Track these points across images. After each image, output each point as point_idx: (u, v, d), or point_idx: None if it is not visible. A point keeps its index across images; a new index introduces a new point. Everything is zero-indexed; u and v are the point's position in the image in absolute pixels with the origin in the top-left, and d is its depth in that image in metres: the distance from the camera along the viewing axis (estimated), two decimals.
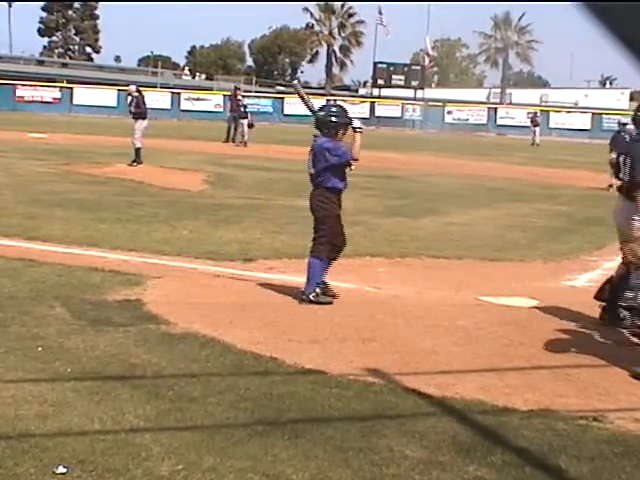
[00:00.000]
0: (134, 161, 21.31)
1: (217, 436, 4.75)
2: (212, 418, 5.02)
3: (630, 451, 4.85)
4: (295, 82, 9.09)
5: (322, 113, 8.26)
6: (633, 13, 1.24)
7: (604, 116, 58.72)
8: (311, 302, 8.01)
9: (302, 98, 8.35)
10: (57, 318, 7.04)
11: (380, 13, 67.43)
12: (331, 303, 8.05)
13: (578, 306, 8.53)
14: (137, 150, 21.39)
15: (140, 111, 21.67)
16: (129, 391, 5.40)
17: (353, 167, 8.17)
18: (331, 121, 8.16)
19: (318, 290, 8.10)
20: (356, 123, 8.22)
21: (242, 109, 32.82)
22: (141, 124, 21.60)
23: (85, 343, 6.38)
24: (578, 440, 4.97)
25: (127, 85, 24.04)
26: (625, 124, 23.38)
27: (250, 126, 32.31)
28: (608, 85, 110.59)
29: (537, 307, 8.52)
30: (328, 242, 8.16)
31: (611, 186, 21.88)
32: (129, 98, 22.37)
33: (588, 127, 58.58)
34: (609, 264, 11.25)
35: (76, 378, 5.59)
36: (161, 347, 6.39)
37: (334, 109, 8.42)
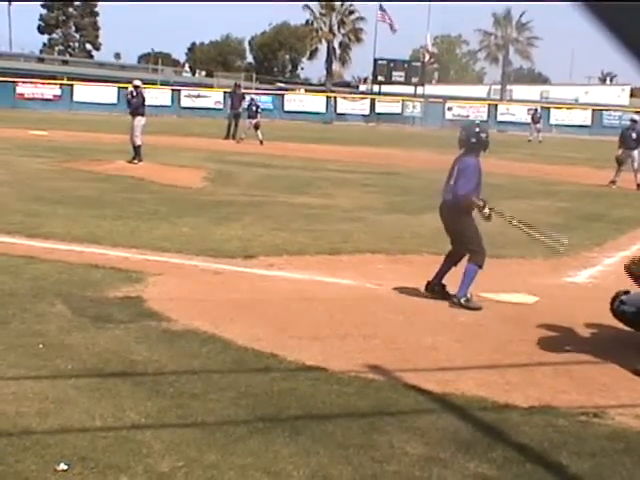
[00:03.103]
0: (134, 158, 21.33)
1: (218, 433, 4.75)
2: (213, 415, 5.02)
3: (631, 447, 4.85)
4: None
5: (464, 133, 8.45)
6: (633, 13, 1.24)
7: (604, 112, 58.75)
8: (461, 306, 8.06)
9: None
10: (58, 315, 7.04)
11: (382, 10, 67.19)
12: (480, 309, 8.05)
13: (579, 302, 8.54)
14: (137, 147, 21.41)
15: (141, 108, 21.79)
16: (130, 388, 5.40)
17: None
18: (471, 141, 8.36)
19: (469, 295, 8.15)
20: (485, 210, 8.31)
21: (254, 109, 32.65)
22: (140, 121, 21.65)
23: (86, 340, 6.38)
24: (579, 436, 4.98)
25: (130, 82, 24.16)
26: (635, 121, 23.32)
27: (257, 127, 32.14)
28: (608, 81, 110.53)
29: (538, 304, 8.53)
30: (484, 250, 8.27)
31: (613, 182, 21.96)
32: (130, 90, 22.46)
33: (589, 123, 58.52)
34: (609, 260, 11.28)
35: (77, 375, 5.59)
36: (162, 344, 6.39)
37: (476, 129, 8.56)
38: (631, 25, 1.24)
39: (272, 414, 5.08)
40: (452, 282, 8.34)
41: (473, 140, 8.35)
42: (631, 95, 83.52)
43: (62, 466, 4.21)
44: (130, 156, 21.36)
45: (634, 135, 22.35)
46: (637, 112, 38.04)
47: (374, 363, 6.17)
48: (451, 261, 8.46)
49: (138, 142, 21.40)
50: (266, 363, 6.08)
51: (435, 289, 8.41)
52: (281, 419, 5.01)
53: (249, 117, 32.65)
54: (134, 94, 22.14)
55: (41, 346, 6.15)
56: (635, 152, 22.06)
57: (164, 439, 4.63)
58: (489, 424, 5.13)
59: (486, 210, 8.30)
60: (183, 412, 5.03)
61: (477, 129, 8.55)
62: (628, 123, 23.86)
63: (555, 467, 4.59)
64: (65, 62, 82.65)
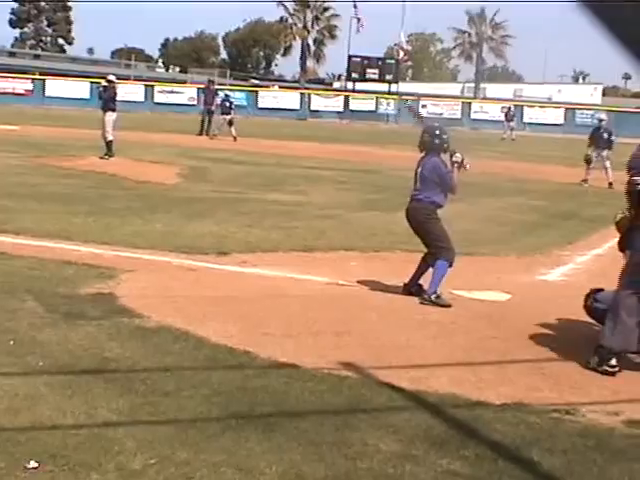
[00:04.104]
0: (106, 154, 21.21)
1: (190, 430, 4.73)
2: (185, 412, 5.00)
3: (602, 444, 4.89)
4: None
5: (426, 135, 8.61)
6: (634, 13, 1.23)
7: (577, 111, 59.17)
8: (431, 302, 8.08)
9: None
10: (29, 311, 6.98)
11: (355, 7, 67.27)
12: (450, 306, 8.06)
13: (551, 300, 8.59)
14: (109, 143, 21.30)
15: (112, 103, 21.72)
16: (102, 385, 5.37)
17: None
18: (434, 142, 8.52)
19: (439, 291, 8.17)
20: (455, 157, 8.51)
21: (227, 104, 32.67)
22: (110, 116, 21.57)
23: (58, 337, 6.33)
24: (551, 433, 5.00)
25: (103, 77, 24.21)
26: (603, 119, 23.48)
27: (230, 123, 32.15)
28: (581, 80, 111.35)
29: (510, 301, 8.57)
30: (451, 247, 8.36)
31: (585, 181, 22.10)
32: (104, 85, 22.45)
33: (561, 122, 58.89)
34: (582, 258, 11.36)
35: (48, 372, 5.54)
36: (134, 341, 6.35)
37: (437, 131, 8.68)
38: (631, 23, 1.24)
39: (245, 411, 5.06)
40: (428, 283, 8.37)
41: (436, 142, 8.55)
42: (603, 94, 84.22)
43: (32, 464, 4.17)
44: (102, 152, 21.24)
45: (605, 135, 22.50)
46: (609, 111, 38.36)
47: (347, 360, 6.17)
48: (427, 263, 8.49)
49: (109, 137, 21.31)
50: (239, 360, 6.06)
51: (412, 290, 8.44)
52: (254, 416, 4.99)
53: (223, 113, 32.64)
54: (106, 88, 22.10)
55: (12, 343, 6.09)
56: (605, 151, 22.21)
57: (136, 436, 4.60)
58: (462, 421, 5.15)
59: (456, 157, 8.53)
60: (155, 409, 5.00)
61: (438, 131, 8.71)
62: (597, 123, 23.98)
63: (527, 464, 4.61)
64: (37, 56, 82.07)
